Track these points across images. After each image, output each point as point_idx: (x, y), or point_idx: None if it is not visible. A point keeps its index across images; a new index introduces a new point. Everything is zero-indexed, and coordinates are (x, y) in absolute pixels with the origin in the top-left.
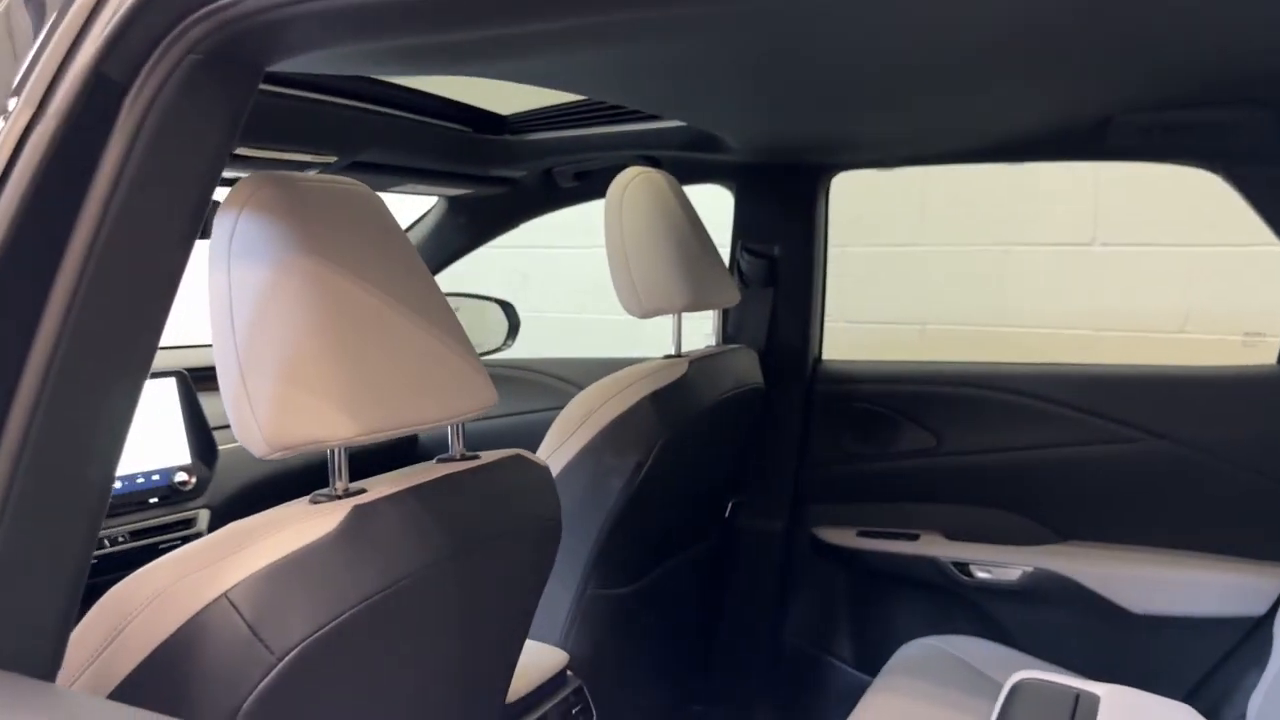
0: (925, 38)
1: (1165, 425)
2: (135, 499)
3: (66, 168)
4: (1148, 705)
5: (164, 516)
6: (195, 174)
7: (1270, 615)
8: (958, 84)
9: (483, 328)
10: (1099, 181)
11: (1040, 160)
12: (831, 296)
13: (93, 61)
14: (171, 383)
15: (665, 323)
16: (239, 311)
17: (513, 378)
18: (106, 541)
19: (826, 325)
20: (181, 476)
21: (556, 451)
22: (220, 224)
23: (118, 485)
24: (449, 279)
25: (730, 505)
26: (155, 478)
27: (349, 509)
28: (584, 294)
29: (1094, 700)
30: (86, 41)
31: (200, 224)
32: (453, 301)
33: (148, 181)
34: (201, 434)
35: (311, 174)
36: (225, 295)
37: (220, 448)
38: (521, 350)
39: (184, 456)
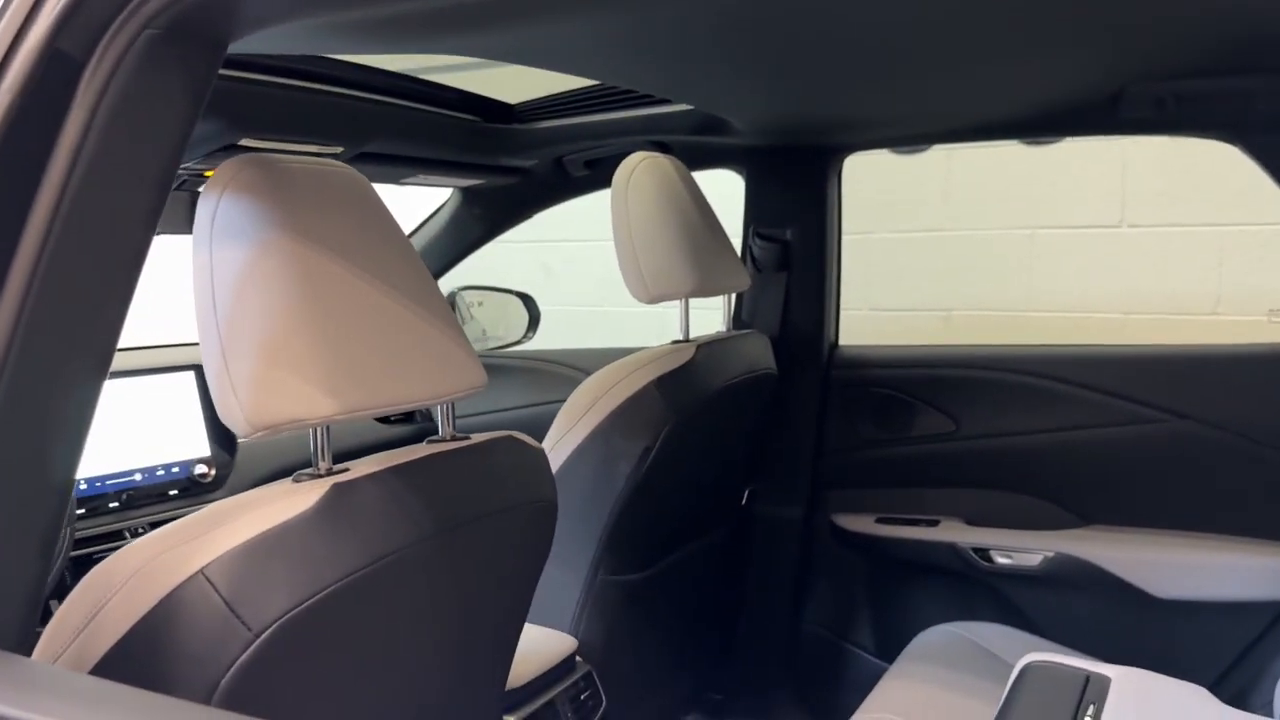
0: (931, 6)
1: (1188, 405)
2: (156, 491)
3: (21, 148)
4: (1159, 686)
5: (184, 508)
6: (156, 154)
7: None
8: (966, 56)
9: (504, 320)
10: (1127, 162)
11: (1052, 136)
12: (856, 284)
13: (47, 37)
14: (190, 376)
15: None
16: (220, 292)
17: (531, 369)
18: (127, 534)
19: (851, 313)
20: (201, 469)
21: (564, 438)
22: (202, 205)
23: (138, 477)
24: (471, 272)
25: (747, 492)
26: (175, 470)
27: (328, 486)
28: (607, 286)
29: (1105, 681)
30: (40, 16)
31: (162, 206)
32: (474, 295)
33: (107, 162)
34: (220, 426)
35: (296, 155)
36: (207, 276)
37: (240, 440)
38: (546, 344)
39: (204, 449)
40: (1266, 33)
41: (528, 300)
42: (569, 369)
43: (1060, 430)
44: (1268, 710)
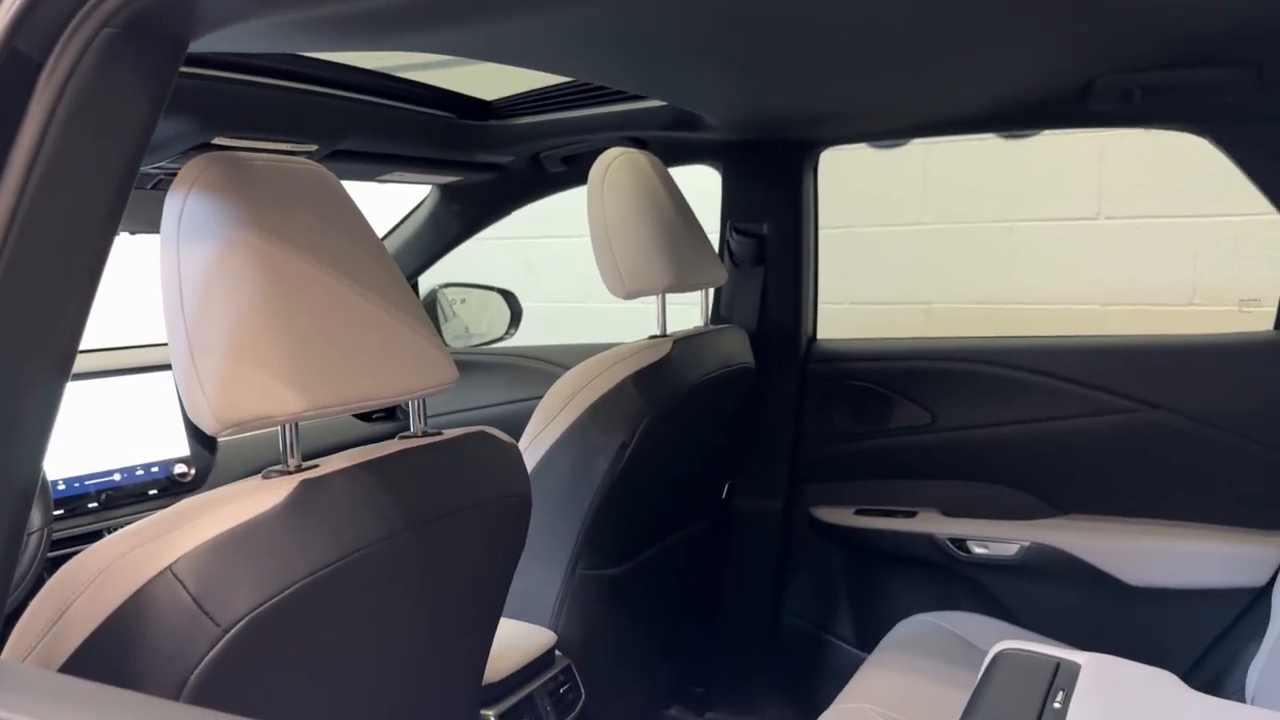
0: (901, 1)
1: (1161, 395)
2: (135, 491)
3: None
4: (1128, 672)
5: (164, 508)
6: (117, 153)
7: (1271, 585)
8: (936, 49)
9: (486, 317)
10: (1104, 155)
11: (1025, 129)
12: (837, 278)
13: (4, 36)
14: (168, 376)
15: (670, 309)
16: (188, 290)
17: (512, 365)
18: (106, 533)
19: (832, 307)
20: (181, 468)
21: (541, 434)
22: (169, 204)
23: (117, 477)
24: (453, 269)
25: (727, 486)
26: (155, 469)
27: (297, 483)
28: (590, 283)
29: (1075, 668)
30: None
31: (123, 205)
32: (455, 292)
33: (66, 162)
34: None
35: (264, 153)
36: (174, 274)
37: (219, 439)
38: (529, 340)
39: (183, 448)
40: (1232, 25)
41: (509, 297)
42: (549, 365)
43: (1035, 421)
44: (1240, 696)
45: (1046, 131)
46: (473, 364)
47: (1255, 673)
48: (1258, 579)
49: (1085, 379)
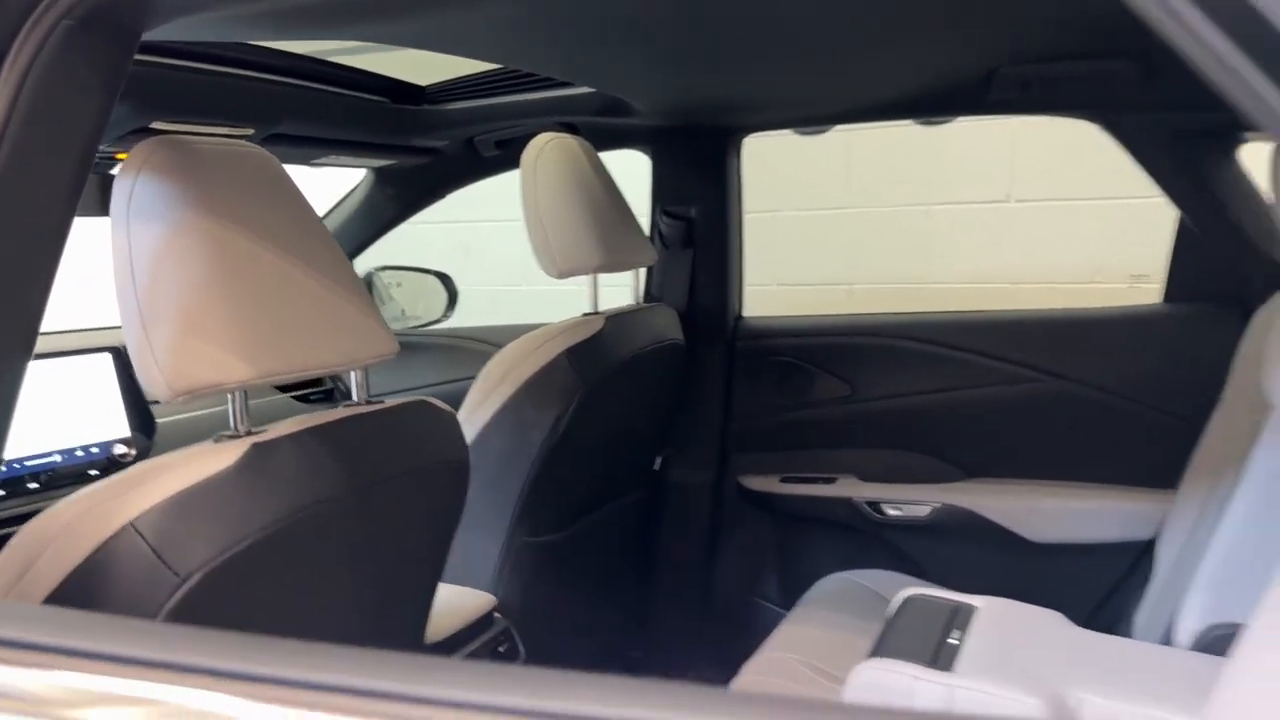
0: None
1: (1061, 365)
2: (75, 471)
3: None
4: (1020, 612)
5: None
6: (75, 140)
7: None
8: (848, 39)
9: (422, 300)
10: (1014, 142)
11: (934, 116)
12: (765, 260)
13: None
14: (108, 358)
15: (604, 290)
16: (139, 267)
17: (448, 346)
18: None
19: (759, 289)
20: (120, 449)
21: (478, 409)
22: (118, 187)
23: (57, 459)
24: (389, 253)
25: (661, 459)
26: (95, 450)
27: (248, 445)
28: (526, 266)
29: (970, 609)
30: None
31: (81, 189)
32: (392, 275)
33: (27, 149)
34: (139, 407)
35: (207, 137)
36: (126, 253)
37: (158, 420)
38: (466, 323)
39: (123, 430)
40: (1123, 18)
41: (445, 279)
42: (486, 345)
43: (945, 391)
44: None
45: (960, 120)
46: (410, 345)
47: (1140, 619)
48: (1146, 533)
49: (993, 351)
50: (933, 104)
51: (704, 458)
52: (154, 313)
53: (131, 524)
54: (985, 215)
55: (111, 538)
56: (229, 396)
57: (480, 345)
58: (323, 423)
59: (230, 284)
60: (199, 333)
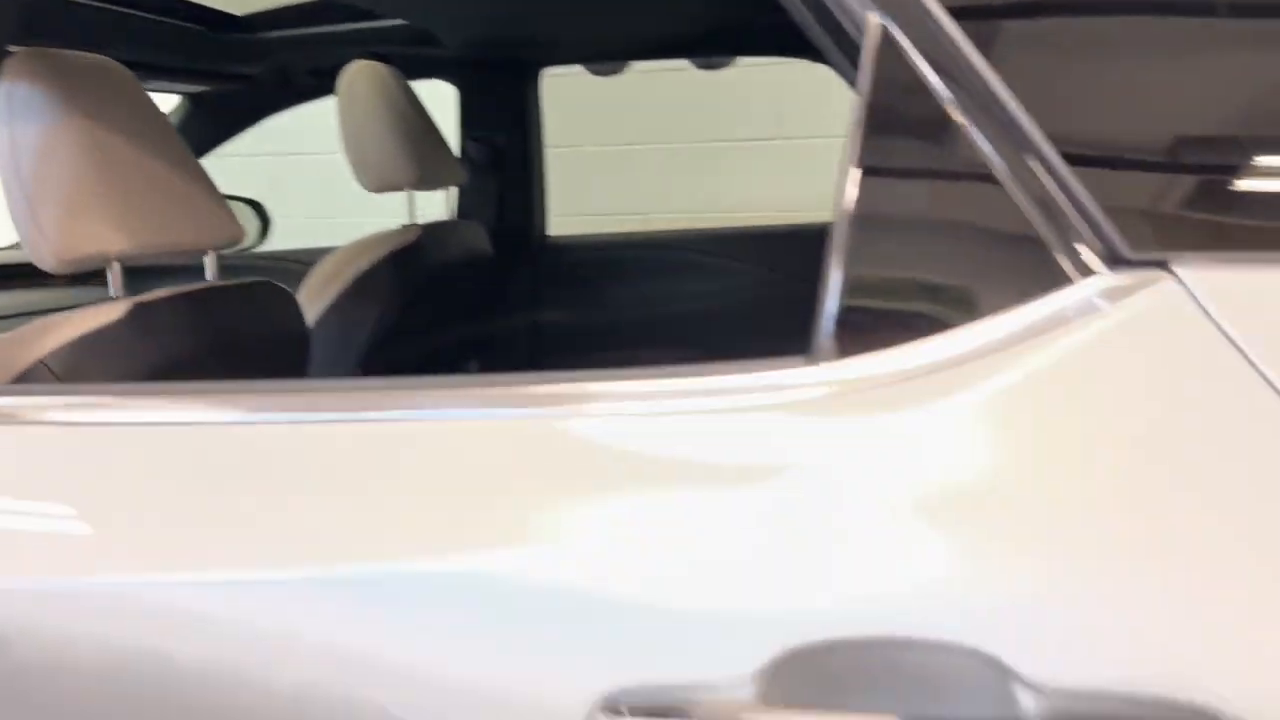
0: None
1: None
2: None
3: None
4: None
5: None
6: None
7: None
8: None
9: None
10: (782, 83)
11: (698, 55)
12: (568, 193)
13: None
14: None
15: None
16: (23, 162)
17: (270, 268)
18: None
19: (565, 219)
20: None
21: (308, 309)
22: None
23: None
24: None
25: (472, 366)
26: None
27: (132, 303)
28: (337, 198)
29: None
30: None
31: None
32: None
33: None
34: None
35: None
36: (9, 151)
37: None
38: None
39: None
40: None
41: (257, 206)
42: (302, 265)
43: (726, 296)
44: None
45: (736, 63)
46: (233, 267)
47: None
48: None
49: (742, 258)
50: (698, 45)
51: (514, 365)
52: (40, 197)
53: (43, 361)
54: (758, 152)
55: (24, 372)
56: (109, 268)
57: (299, 266)
58: (190, 291)
59: (104, 172)
60: (80, 213)
